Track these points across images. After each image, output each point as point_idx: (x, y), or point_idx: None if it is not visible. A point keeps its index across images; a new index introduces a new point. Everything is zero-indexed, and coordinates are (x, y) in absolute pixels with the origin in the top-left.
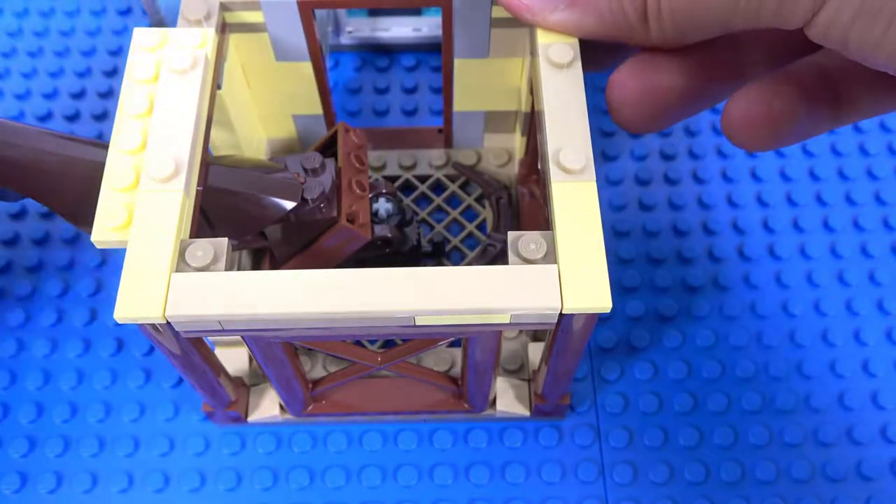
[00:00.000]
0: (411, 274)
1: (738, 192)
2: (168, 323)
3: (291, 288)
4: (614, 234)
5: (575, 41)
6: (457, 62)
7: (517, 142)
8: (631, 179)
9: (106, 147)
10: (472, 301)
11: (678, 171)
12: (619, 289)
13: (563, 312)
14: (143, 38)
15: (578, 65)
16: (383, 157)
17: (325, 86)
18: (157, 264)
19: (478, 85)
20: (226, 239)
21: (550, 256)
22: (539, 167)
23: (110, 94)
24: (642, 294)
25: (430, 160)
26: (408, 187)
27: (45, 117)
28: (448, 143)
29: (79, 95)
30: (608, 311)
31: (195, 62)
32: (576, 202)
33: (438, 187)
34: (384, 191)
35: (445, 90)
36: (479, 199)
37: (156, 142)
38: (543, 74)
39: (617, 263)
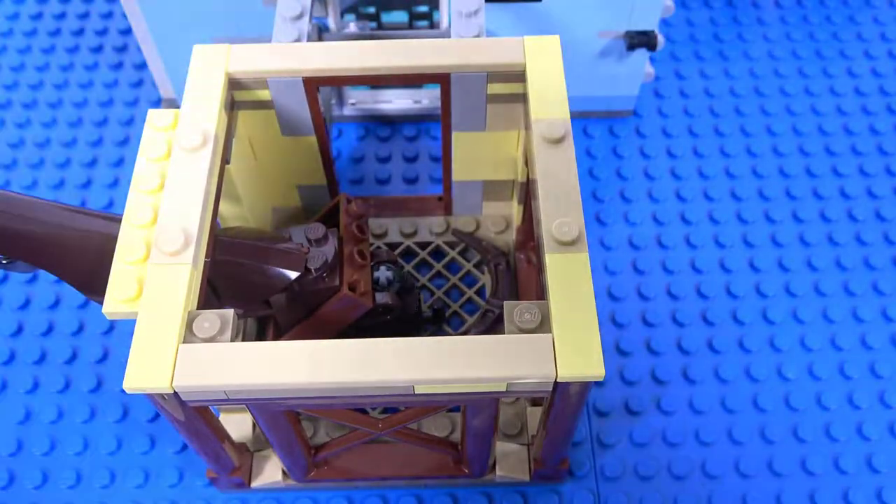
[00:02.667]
0: (410, 344)
1: (731, 258)
2: (175, 393)
3: (293, 359)
4: (610, 298)
5: (566, 118)
6: (455, 135)
7: (514, 209)
8: (625, 244)
9: (115, 219)
10: (469, 371)
11: (671, 237)
12: (616, 352)
13: (558, 381)
14: (156, 119)
15: (570, 140)
16: (385, 225)
17: (328, 158)
18: (165, 336)
19: (476, 156)
20: (231, 310)
21: (545, 326)
22: (535, 235)
23: (121, 163)
24: (639, 357)
25: (431, 227)
26: (409, 254)
27: (58, 185)
28: (448, 210)
29: (91, 164)
30: (601, 378)
31: (205, 140)
32: (569, 273)
33: (438, 254)
34: (385, 259)
35: (445, 160)
36: (478, 265)
37: (166, 217)
38: (537, 149)
39: (613, 327)
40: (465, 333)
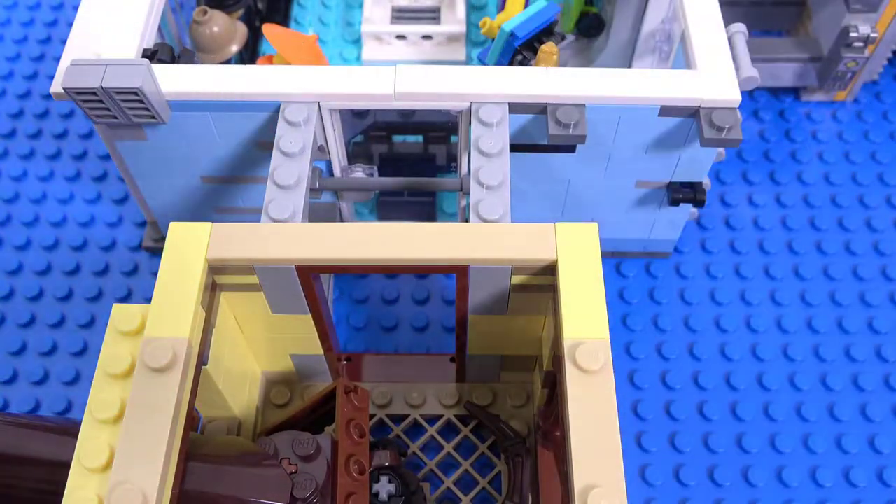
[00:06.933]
0: None
1: (773, 401)
2: None
3: None
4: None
5: (605, 338)
6: (471, 317)
7: (536, 381)
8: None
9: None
10: None
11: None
12: None
13: None
14: (120, 320)
15: (609, 369)
16: (388, 394)
17: (325, 332)
18: None
19: (494, 334)
20: None
21: None
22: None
23: (100, 298)
24: None
25: (440, 397)
26: (415, 425)
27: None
28: (461, 375)
29: (66, 297)
30: None
31: (174, 359)
32: None
33: (449, 428)
34: (386, 464)
35: (458, 329)
36: (492, 446)
37: (121, 468)
38: (569, 381)
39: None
40: None
